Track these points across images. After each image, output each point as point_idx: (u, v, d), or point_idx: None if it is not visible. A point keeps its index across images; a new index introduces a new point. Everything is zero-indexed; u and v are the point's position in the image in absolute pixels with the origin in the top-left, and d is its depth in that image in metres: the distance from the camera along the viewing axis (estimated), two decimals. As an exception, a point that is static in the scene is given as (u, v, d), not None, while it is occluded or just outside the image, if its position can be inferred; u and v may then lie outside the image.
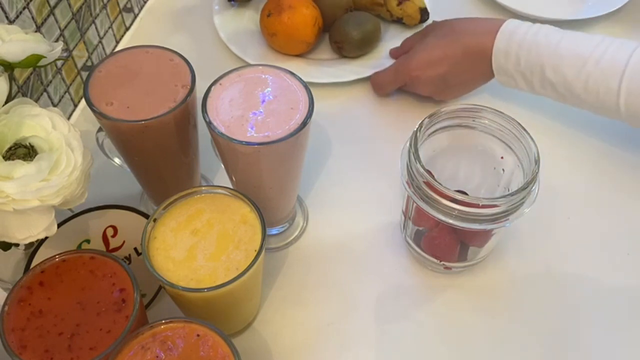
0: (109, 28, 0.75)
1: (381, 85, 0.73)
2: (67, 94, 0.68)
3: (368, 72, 0.74)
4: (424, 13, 0.78)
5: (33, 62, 0.46)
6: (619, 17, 0.83)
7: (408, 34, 0.77)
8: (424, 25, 0.79)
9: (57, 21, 0.63)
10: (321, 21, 0.75)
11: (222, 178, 0.64)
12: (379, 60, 0.76)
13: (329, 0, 0.76)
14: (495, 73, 0.65)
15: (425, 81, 0.68)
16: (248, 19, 0.81)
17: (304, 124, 0.49)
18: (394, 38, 0.79)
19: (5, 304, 0.43)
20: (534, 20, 0.82)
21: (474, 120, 0.54)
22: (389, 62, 0.74)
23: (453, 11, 0.74)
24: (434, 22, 0.73)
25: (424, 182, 0.49)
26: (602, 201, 0.65)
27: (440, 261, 0.57)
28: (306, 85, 0.51)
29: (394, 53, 0.76)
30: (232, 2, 0.81)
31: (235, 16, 0.81)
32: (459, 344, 0.55)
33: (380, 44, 0.78)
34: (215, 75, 0.52)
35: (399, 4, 0.78)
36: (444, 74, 0.67)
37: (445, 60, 0.66)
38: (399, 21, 0.80)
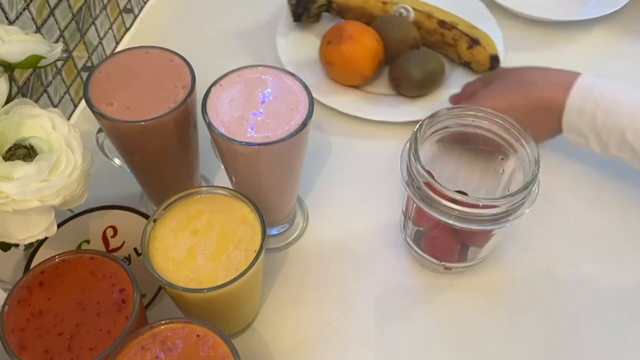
0: (109, 29, 0.75)
1: (451, 142, 0.64)
2: (67, 94, 0.68)
3: (423, 115, 0.67)
4: (494, 61, 0.73)
5: (33, 62, 0.46)
6: (620, 17, 0.83)
7: (474, 79, 0.71)
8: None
9: (57, 22, 0.63)
10: (382, 55, 0.72)
11: (222, 178, 0.64)
12: (437, 103, 0.71)
13: (395, 35, 0.73)
14: (565, 131, 0.60)
15: None
16: (311, 44, 0.77)
17: (304, 124, 0.49)
18: (458, 82, 0.73)
19: (5, 304, 0.43)
20: (535, 20, 0.82)
21: (474, 121, 0.54)
22: (447, 106, 0.68)
23: (527, 62, 0.67)
24: (501, 69, 0.68)
25: (424, 182, 0.49)
26: (602, 201, 0.65)
27: (440, 261, 0.57)
28: (306, 86, 0.51)
29: (454, 99, 0.70)
30: (298, 22, 0.79)
31: (298, 39, 0.78)
32: (459, 344, 0.55)
33: (442, 87, 0.73)
34: (215, 76, 0.52)
35: (469, 47, 0.73)
36: None
37: (510, 111, 0.58)
38: (466, 65, 0.75)
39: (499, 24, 0.80)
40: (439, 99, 0.72)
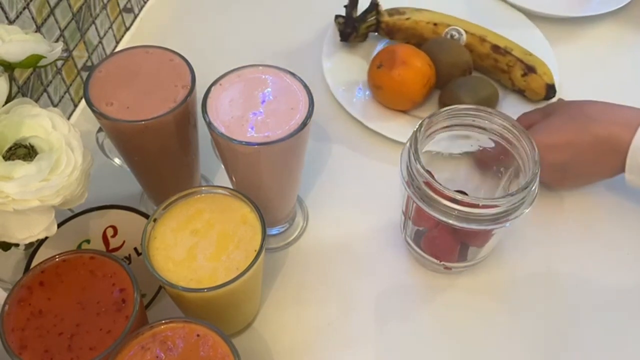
0: (109, 28, 0.75)
1: (488, 163, 0.59)
2: (67, 94, 0.68)
3: (474, 147, 0.58)
4: (550, 90, 0.69)
5: (33, 62, 0.46)
6: (625, 13, 0.83)
7: (528, 107, 0.68)
8: (548, 103, 0.69)
9: (57, 21, 0.63)
10: (434, 81, 0.70)
11: (222, 178, 0.64)
12: None
13: (447, 59, 0.70)
14: (628, 171, 0.57)
15: (542, 167, 0.56)
16: (357, 65, 0.75)
17: (304, 124, 0.49)
18: (510, 109, 0.70)
19: (5, 304, 0.43)
20: (539, 16, 0.81)
21: (474, 121, 0.54)
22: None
23: (586, 92, 0.65)
24: (560, 100, 0.66)
25: (424, 182, 0.49)
26: (601, 201, 0.65)
27: (440, 261, 0.57)
28: (306, 85, 0.51)
29: None
30: (345, 42, 0.76)
31: (343, 59, 0.76)
32: (459, 344, 0.55)
33: None
34: (215, 75, 0.52)
35: (524, 74, 0.70)
36: (564, 162, 0.59)
37: (570, 147, 0.58)
38: (520, 92, 0.71)
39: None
40: None
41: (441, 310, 0.57)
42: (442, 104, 0.70)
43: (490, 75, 0.74)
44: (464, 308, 0.57)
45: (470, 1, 0.82)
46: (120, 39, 0.79)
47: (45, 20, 0.61)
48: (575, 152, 0.58)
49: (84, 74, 0.71)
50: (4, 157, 0.42)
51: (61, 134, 0.44)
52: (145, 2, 0.84)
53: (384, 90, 0.70)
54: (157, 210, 0.47)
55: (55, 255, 0.46)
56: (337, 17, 0.76)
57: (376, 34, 0.78)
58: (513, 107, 0.71)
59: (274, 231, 0.61)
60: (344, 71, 0.75)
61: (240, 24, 0.83)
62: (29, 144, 0.43)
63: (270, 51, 0.79)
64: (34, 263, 0.54)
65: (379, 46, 0.77)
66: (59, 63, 0.66)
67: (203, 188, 0.49)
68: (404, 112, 0.71)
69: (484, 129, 0.54)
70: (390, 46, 0.71)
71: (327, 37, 0.78)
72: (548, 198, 0.63)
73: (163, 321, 0.42)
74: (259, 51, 0.79)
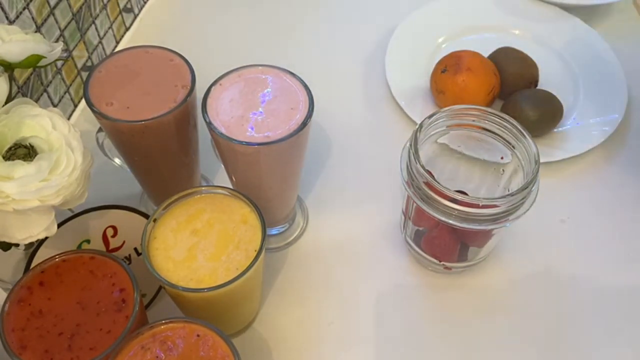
0: (109, 28, 0.75)
1: None
2: (67, 94, 0.68)
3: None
4: None
5: (33, 62, 0.46)
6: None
7: None
8: None
9: (57, 21, 0.63)
10: (498, 90, 0.68)
11: (222, 178, 0.64)
12: (551, 148, 0.66)
13: (513, 69, 0.69)
14: None
15: None
16: (418, 76, 0.74)
17: (304, 124, 0.49)
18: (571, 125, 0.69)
19: (5, 304, 0.43)
20: (560, 6, 0.80)
21: (473, 121, 0.54)
22: (560, 152, 0.66)
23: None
24: None
25: (424, 182, 0.49)
26: (601, 201, 0.65)
27: (440, 261, 0.57)
28: (306, 85, 0.51)
29: None
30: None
31: (406, 61, 0.76)
32: (459, 344, 0.55)
33: (556, 131, 0.68)
34: (215, 75, 0.52)
35: None
36: None
37: None
38: None
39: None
40: (552, 144, 0.67)
41: (441, 310, 0.57)
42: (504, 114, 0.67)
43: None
44: (464, 308, 0.57)
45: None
46: (120, 39, 0.79)
47: (45, 20, 0.61)
48: None
49: (84, 74, 0.71)
50: (4, 157, 0.42)
51: (61, 134, 0.44)
52: (145, 2, 0.84)
53: (446, 95, 0.68)
54: (157, 210, 0.47)
55: (55, 255, 0.46)
56: None
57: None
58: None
59: (274, 231, 0.61)
60: (406, 74, 0.74)
61: (240, 24, 0.83)
62: (29, 144, 0.43)
63: (271, 51, 0.79)
64: (34, 263, 0.54)
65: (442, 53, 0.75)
66: (59, 63, 0.66)
67: (203, 188, 0.49)
68: None
69: (484, 129, 0.54)
70: (456, 52, 0.70)
71: (391, 38, 0.77)
72: (548, 198, 0.63)
73: (163, 321, 0.42)
74: (260, 51, 0.79)
